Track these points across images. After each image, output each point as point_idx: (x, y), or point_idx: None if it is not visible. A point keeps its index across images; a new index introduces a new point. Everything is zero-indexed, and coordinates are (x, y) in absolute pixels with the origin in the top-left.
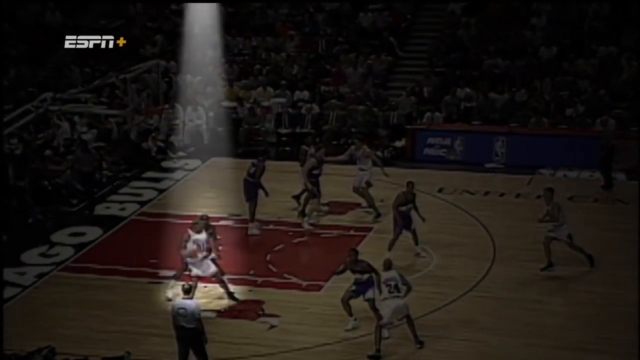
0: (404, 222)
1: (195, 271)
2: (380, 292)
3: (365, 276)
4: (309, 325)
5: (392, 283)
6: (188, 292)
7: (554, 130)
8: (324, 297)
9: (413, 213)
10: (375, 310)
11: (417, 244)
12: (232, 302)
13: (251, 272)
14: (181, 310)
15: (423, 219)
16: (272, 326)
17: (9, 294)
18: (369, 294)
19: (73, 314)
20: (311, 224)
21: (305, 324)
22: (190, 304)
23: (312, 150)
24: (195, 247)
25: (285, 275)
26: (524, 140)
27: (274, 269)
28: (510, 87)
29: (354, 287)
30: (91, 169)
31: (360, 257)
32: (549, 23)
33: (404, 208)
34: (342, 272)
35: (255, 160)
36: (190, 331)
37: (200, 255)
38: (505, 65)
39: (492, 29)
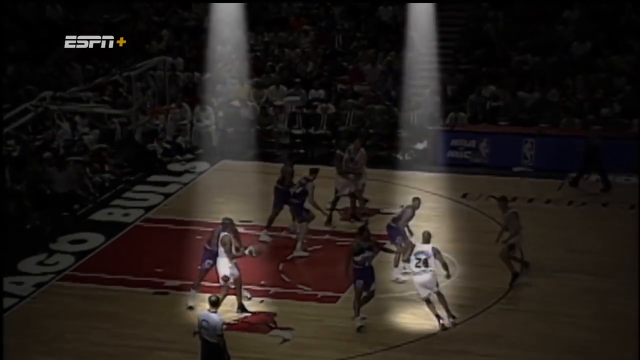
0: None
1: (223, 271)
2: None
3: (371, 253)
4: (324, 339)
5: (422, 257)
6: (214, 304)
7: (587, 132)
8: (340, 309)
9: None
10: (367, 300)
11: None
12: (242, 314)
13: (262, 282)
14: (204, 323)
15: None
16: (285, 340)
17: (5, 305)
18: (373, 286)
19: (74, 326)
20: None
21: (320, 337)
22: (213, 317)
23: (346, 155)
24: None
25: (299, 286)
26: (554, 142)
27: (287, 279)
28: (540, 86)
29: (360, 282)
30: (68, 190)
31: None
32: (582, 16)
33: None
34: (358, 253)
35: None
36: (212, 346)
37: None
38: (535, 62)
39: (521, 23)
